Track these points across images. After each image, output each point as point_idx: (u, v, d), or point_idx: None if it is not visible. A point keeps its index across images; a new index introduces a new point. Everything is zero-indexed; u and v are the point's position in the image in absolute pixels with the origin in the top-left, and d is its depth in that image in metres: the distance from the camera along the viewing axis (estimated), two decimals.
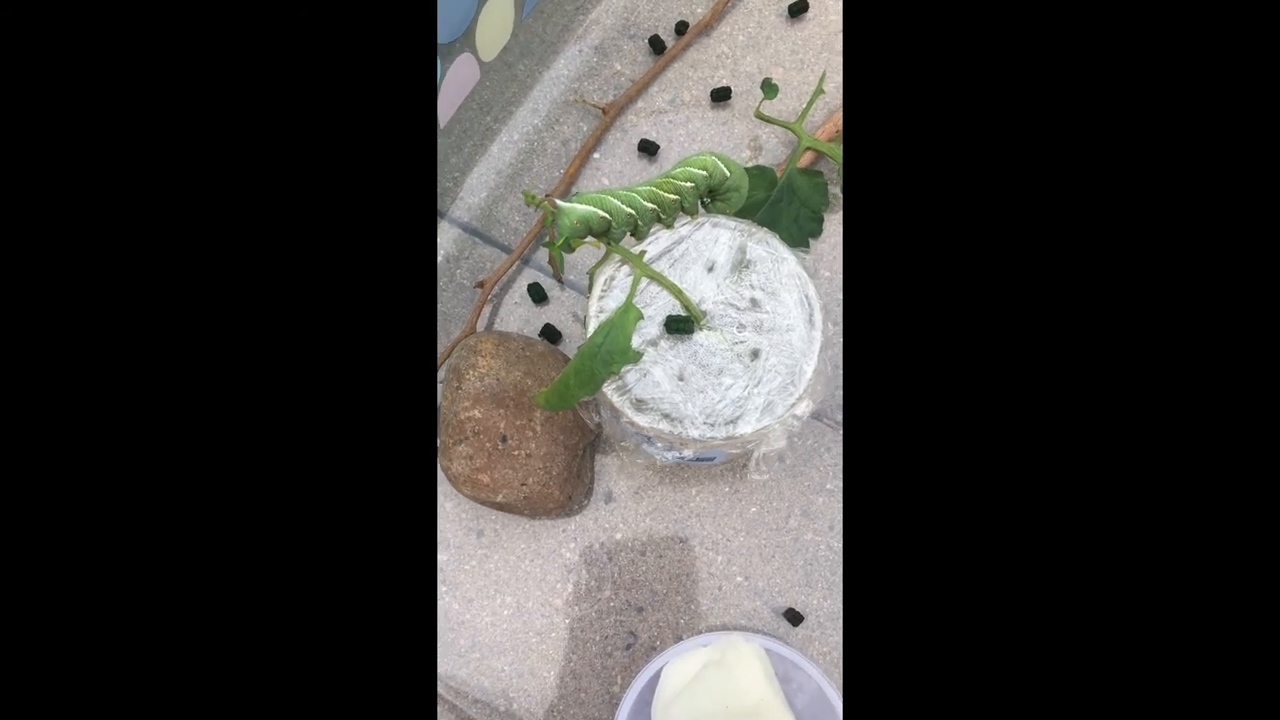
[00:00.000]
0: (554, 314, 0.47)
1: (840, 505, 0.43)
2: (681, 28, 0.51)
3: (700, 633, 0.42)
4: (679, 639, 0.42)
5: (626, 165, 0.49)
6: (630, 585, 0.43)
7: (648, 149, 0.49)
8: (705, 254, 0.36)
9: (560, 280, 0.47)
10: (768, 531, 0.44)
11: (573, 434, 0.41)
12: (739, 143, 0.49)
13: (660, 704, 0.40)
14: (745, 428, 0.34)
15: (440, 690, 0.42)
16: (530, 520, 0.44)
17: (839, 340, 0.45)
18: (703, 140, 0.49)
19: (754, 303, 0.35)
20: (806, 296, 0.35)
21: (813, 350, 0.34)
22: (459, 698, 0.42)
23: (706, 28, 0.51)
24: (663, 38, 0.51)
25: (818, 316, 0.35)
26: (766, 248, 0.36)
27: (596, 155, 0.49)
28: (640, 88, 0.50)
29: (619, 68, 0.51)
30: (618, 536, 0.44)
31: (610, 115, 0.49)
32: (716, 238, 0.36)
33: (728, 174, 0.35)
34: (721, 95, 0.49)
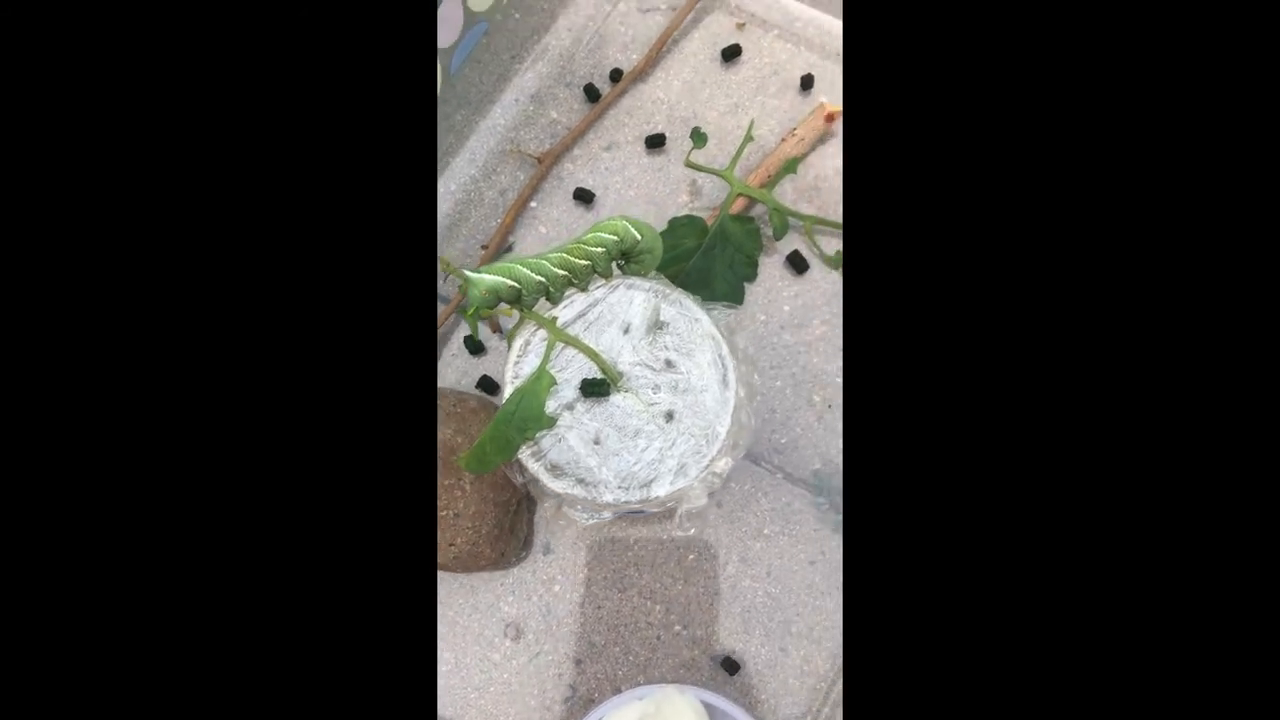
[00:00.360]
0: (492, 365, 0.47)
1: (775, 549, 0.44)
2: (616, 75, 0.51)
3: (638, 684, 0.42)
4: (617, 690, 0.42)
5: (564, 213, 0.49)
6: (568, 637, 0.43)
7: (584, 197, 0.49)
8: (620, 316, 0.36)
9: (497, 330, 0.48)
10: (705, 579, 0.44)
11: (504, 490, 0.41)
12: (676, 187, 0.50)
13: None
14: (659, 490, 0.34)
15: None
16: (467, 575, 0.44)
17: (767, 388, 0.46)
18: (639, 186, 0.50)
19: (669, 363, 0.35)
20: (720, 357, 0.35)
21: (726, 410, 0.35)
22: None
23: (641, 74, 0.51)
24: (597, 86, 0.51)
25: (731, 376, 0.35)
26: (680, 309, 0.36)
27: (534, 204, 0.50)
28: (575, 135, 0.50)
29: (555, 115, 0.51)
30: (556, 588, 0.44)
31: (546, 164, 0.49)
32: (631, 299, 0.36)
33: (639, 238, 0.35)
34: (656, 142, 0.50)
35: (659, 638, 0.43)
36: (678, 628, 0.43)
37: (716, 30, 0.52)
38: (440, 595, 0.44)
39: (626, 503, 0.34)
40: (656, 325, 0.36)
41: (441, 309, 0.48)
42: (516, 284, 0.34)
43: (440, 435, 0.41)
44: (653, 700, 0.40)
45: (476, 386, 0.46)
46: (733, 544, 0.44)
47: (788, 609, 0.43)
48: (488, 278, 0.34)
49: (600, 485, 0.34)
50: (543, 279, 0.34)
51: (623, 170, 0.50)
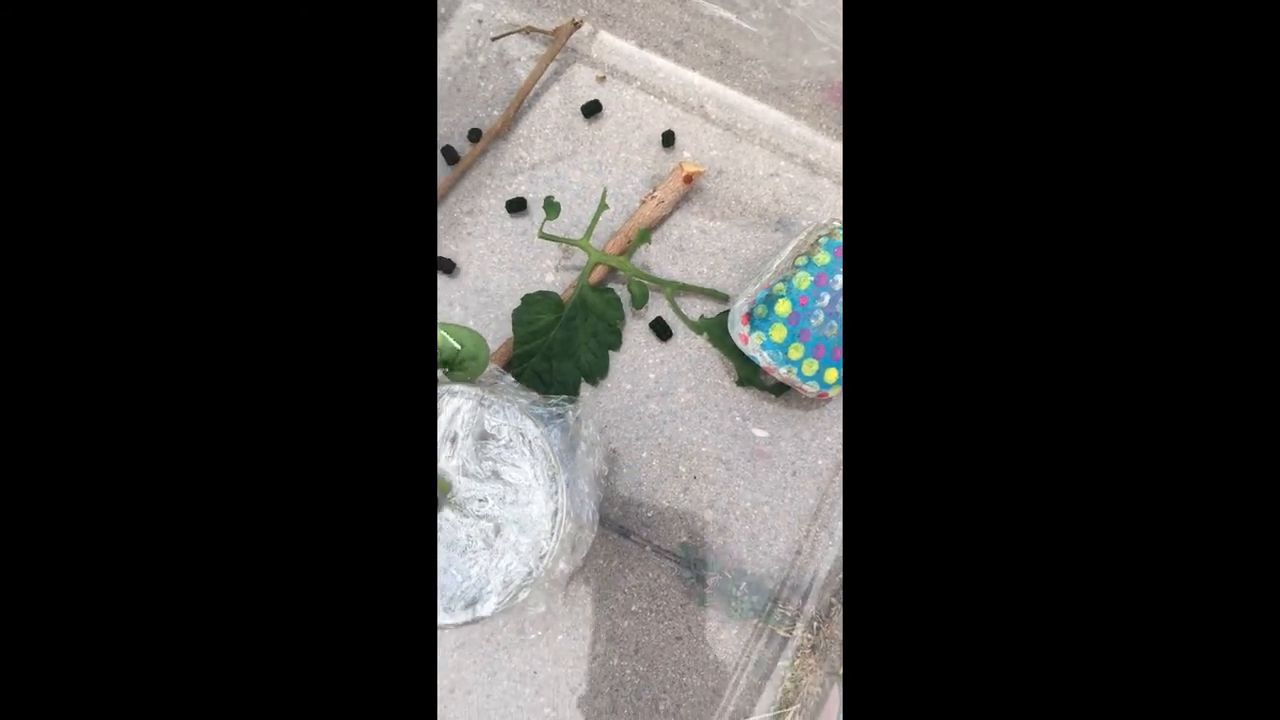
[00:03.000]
0: None
1: (643, 626, 0.44)
2: (475, 134, 0.49)
3: None
4: None
5: None
6: None
7: (445, 267, 0.48)
8: (446, 425, 0.35)
9: None
10: (574, 659, 0.44)
11: None
12: (541, 252, 0.48)
13: None
14: (485, 610, 0.33)
15: None
16: None
17: (633, 459, 0.45)
18: (503, 252, 0.48)
19: (495, 474, 0.35)
20: (549, 467, 0.35)
21: (553, 523, 0.34)
22: None
23: (501, 133, 0.49)
24: (456, 147, 0.49)
25: (560, 485, 0.35)
26: (504, 418, 0.35)
27: None
28: (439, 199, 0.49)
29: None
30: None
31: None
32: (457, 408, 0.35)
33: (459, 346, 0.34)
34: (518, 206, 0.48)
35: None
36: (547, 710, 0.43)
37: (578, 84, 0.50)
38: None
39: (452, 624, 0.33)
40: (482, 435, 0.35)
41: None
42: None
43: None
44: None
45: None
46: (601, 622, 0.44)
47: (655, 685, 0.43)
48: None
49: None
50: None
51: (485, 235, 0.49)
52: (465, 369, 0.35)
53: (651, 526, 0.45)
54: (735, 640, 0.43)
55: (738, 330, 0.42)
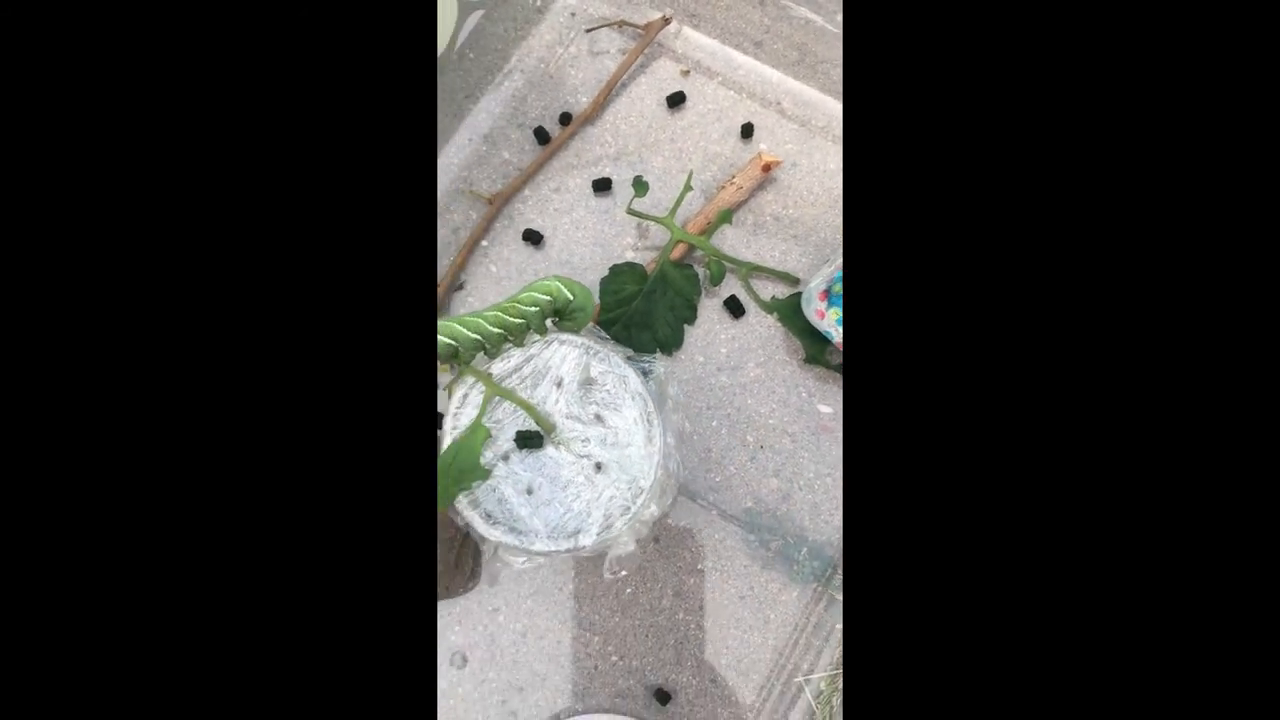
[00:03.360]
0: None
1: (708, 585, 0.46)
2: (565, 118, 0.53)
3: (576, 712, 0.44)
4: (556, 718, 0.44)
5: (513, 253, 0.51)
6: (512, 666, 0.45)
7: (533, 238, 0.51)
8: (554, 371, 0.38)
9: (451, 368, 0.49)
10: (642, 612, 0.46)
11: (448, 527, 0.43)
12: (622, 229, 0.51)
13: None
14: (586, 540, 0.36)
15: None
16: None
17: (704, 428, 0.48)
18: (587, 228, 0.51)
19: (598, 418, 0.37)
20: (646, 413, 0.37)
21: (650, 465, 0.37)
22: None
23: (590, 118, 0.53)
24: (548, 129, 0.53)
25: (656, 432, 0.37)
26: (609, 365, 0.38)
27: (485, 243, 0.51)
28: (526, 178, 0.52)
29: (507, 156, 0.53)
30: (500, 618, 0.46)
31: (497, 205, 0.51)
32: (564, 355, 0.38)
33: (571, 297, 0.37)
34: (603, 185, 0.51)
35: (596, 667, 0.45)
36: (615, 658, 0.45)
37: (663, 76, 0.54)
38: None
39: (555, 552, 0.36)
40: (587, 381, 0.38)
41: None
42: (453, 342, 0.36)
43: None
44: None
45: None
46: (669, 578, 0.46)
47: (718, 641, 0.45)
48: None
49: (531, 534, 0.36)
50: (479, 337, 0.36)
51: (571, 212, 0.52)
52: (574, 319, 0.38)
53: (719, 491, 0.47)
54: (796, 602, 0.46)
55: (814, 306, 0.45)
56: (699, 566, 0.46)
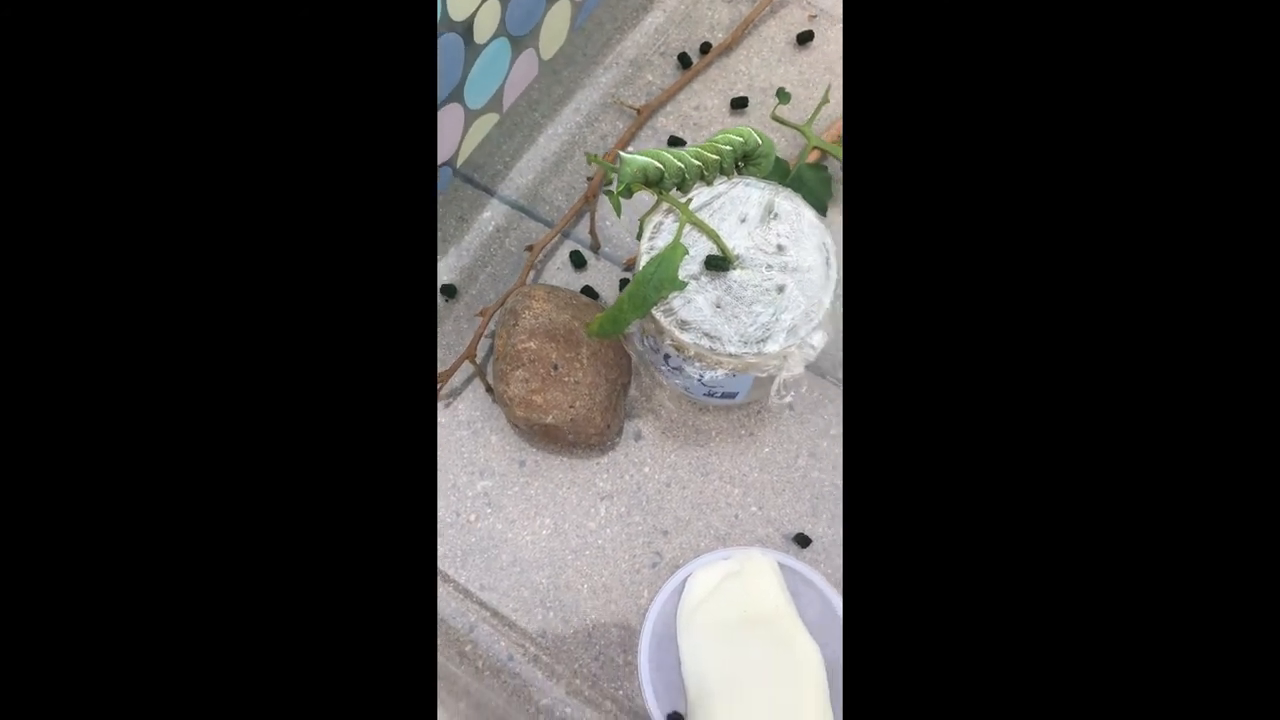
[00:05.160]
0: (591, 278, 0.53)
1: (840, 448, 0.50)
2: (706, 47, 0.59)
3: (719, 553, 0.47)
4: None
5: None
6: (656, 512, 0.48)
7: (676, 144, 0.56)
8: (738, 208, 0.43)
9: (597, 250, 0.54)
10: (779, 469, 0.49)
11: (613, 369, 0.47)
12: None
13: (685, 610, 0.45)
14: (773, 346, 0.40)
15: (483, 597, 0.47)
16: (568, 454, 0.49)
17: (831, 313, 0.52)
18: None
19: (779, 248, 0.42)
20: (824, 244, 0.42)
21: (829, 287, 0.41)
22: (500, 606, 0.46)
23: (727, 49, 0.59)
24: (690, 55, 0.59)
25: (834, 260, 0.42)
26: (791, 203, 0.43)
27: (631, 149, 0.57)
28: (670, 95, 0.58)
29: (650, 79, 0.59)
30: (645, 470, 0.49)
31: (644, 115, 0.57)
32: (748, 195, 0.43)
33: (759, 143, 0.42)
34: (740, 103, 0.57)
35: (737, 516, 0.48)
36: (754, 509, 0.49)
37: (791, 21, 0.60)
38: (543, 470, 0.49)
39: (744, 355, 0.40)
40: (770, 215, 0.42)
41: (547, 231, 0.54)
42: (661, 166, 0.40)
43: (560, 319, 0.47)
44: (737, 559, 0.45)
45: (582, 293, 0.52)
46: (803, 441, 0.50)
47: None
48: (639, 158, 0.40)
49: (723, 339, 0.40)
50: (682, 165, 0.41)
51: (709, 126, 0.57)
52: (758, 165, 0.43)
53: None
54: None
55: None
56: (831, 432, 0.50)
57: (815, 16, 0.60)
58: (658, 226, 0.42)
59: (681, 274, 0.41)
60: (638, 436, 0.50)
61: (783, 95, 0.54)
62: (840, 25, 0.60)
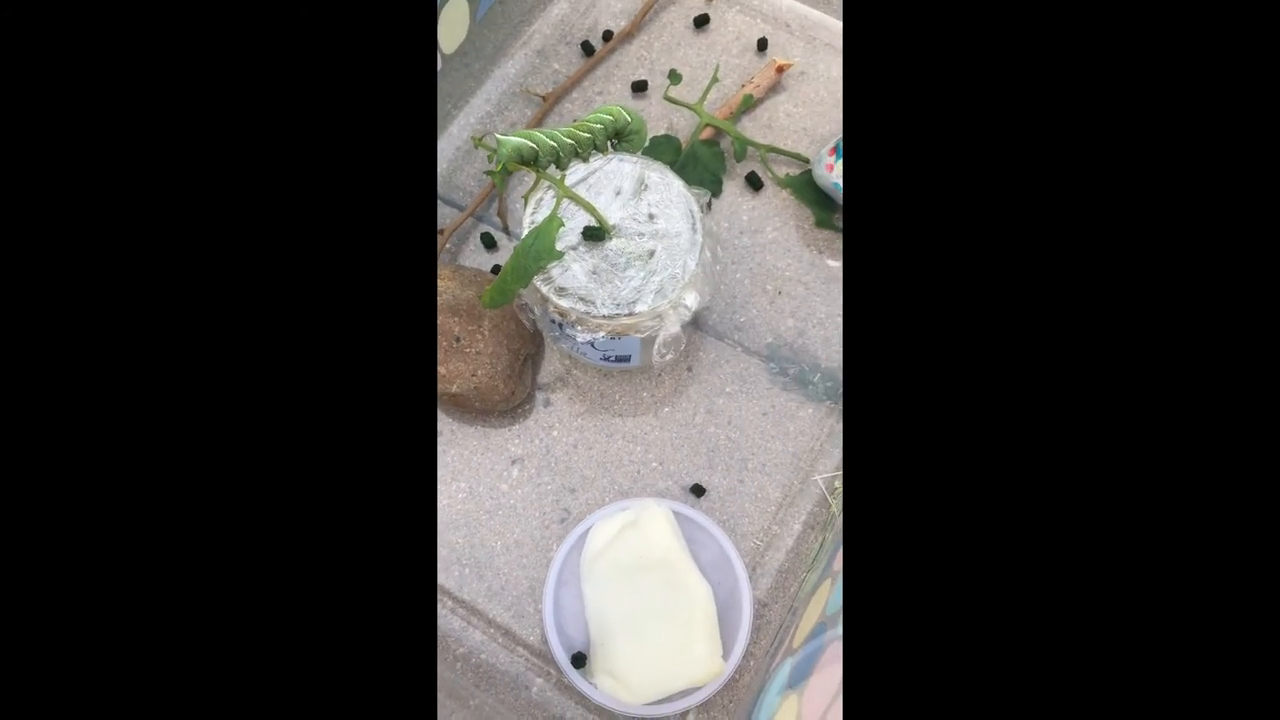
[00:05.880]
0: (502, 257, 0.57)
1: (735, 404, 0.53)
2: (608, 35, 0.62)
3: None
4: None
5: None
6: (564, 472, 0.52)
7: None
8: (613, 182, 0.46)
9: (508, 232, 0.57)
10: (677, 426, 0.53)
11: (515, 339, 0.50)
12: (655, 125, 0.60)
13: (587, 559, 0.48)
14: (642, 306, 0.43)
15: None
16: (481, 422, 0.52)
17: (729, 279, 0.55)
18: None
19: (650, 217, 0.45)
20: (690, 211, 0.45)
21: (694, 250, 0.44)
22: None
23: (629, 36, 0.62)
24: (592, 43, 0.62)
25: (698, 225, 0.45)
26: (659, 175, 0.46)
27: None
28: (575, 81, 0.61)
29: (557, 67, 0.62)
30: (554, 433, 0.53)
31: (550, 102, 0.60)
32: (622, 170, 0.46)
33: (629, 120, 0.45)
34: (640, 86, 0.60)
35: (639, 472, 0.52)
36: (655, 464, 0.52)
37: (689, 5, 0.64)
38: (458, 438, 0.52)
39: (616, 315, 0.43)
40: (642, 188, 0.46)
41: (459, 215, 0.57)
42: (535, 146, 0.44)
43: (464, 295, 0.50)
44: (634, 510, 0.49)
45: (491, 272, 0.56)
46: (700, 399, 0.53)
47: (744, 449, 0.52)
48: (514, 140, 0.43)
49: (598, 303, 0.43)
50: (555, 144, 0.44)
51: None
52: (630, 141, 0.46)
53: (743, 330, 0.55)
54: (811, 417, 0.53)
55: (824, 162, 0.53)
56: (726, 390, 0.53)
57: (712, 1, 0.63)
58: (539, 202, 0.46)
59: (560, 245, 0.44)
60: (547, 403, 0.53)
61: (674, 76, 0.57)
62: (735, 8, 0.63)
